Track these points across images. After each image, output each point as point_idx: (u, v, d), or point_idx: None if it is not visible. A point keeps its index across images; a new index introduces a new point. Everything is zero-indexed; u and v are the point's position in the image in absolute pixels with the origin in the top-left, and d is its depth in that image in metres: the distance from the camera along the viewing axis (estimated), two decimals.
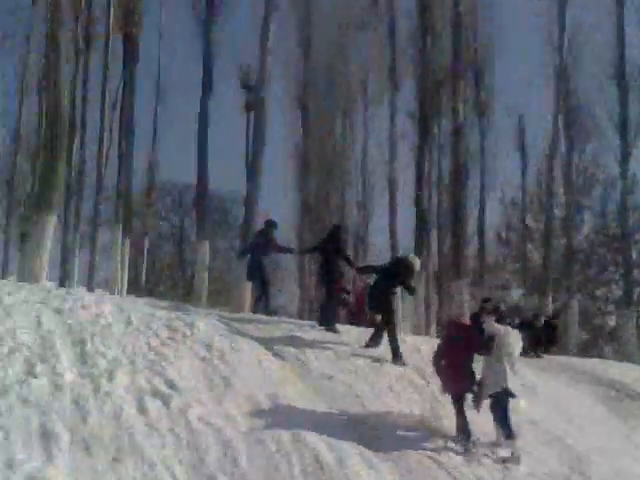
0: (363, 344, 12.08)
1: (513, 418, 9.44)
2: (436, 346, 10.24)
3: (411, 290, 12.68)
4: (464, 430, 9.27)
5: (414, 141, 27.70)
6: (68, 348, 9.39)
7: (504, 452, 9.10)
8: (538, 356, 16.36)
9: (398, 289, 12.66)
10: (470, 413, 9.45)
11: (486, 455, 9.06)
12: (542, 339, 17.41)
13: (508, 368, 9.30)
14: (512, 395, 9.35)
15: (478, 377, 9.49)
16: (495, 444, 9.29)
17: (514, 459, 9.01)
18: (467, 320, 10.86)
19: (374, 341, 12.11)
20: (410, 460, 8.46)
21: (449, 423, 9.68)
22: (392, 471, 8.07)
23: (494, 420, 9.31)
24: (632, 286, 27.62)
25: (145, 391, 8.42)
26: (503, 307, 16.16)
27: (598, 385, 14.21)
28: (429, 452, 8.81)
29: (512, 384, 9.39)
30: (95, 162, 23.86)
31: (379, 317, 11.74)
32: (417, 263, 12.35)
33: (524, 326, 16.88)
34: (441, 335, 10.56)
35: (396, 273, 12.08)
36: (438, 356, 9.86)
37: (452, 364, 9.50)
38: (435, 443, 9.09)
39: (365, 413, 9.54)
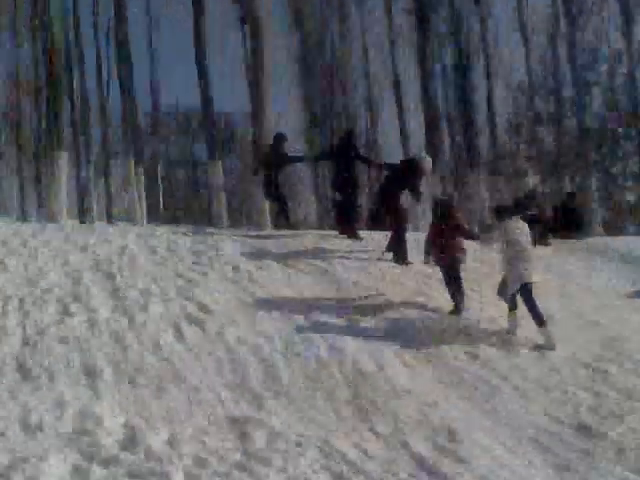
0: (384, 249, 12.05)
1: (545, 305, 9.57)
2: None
3: (417, 194, 12.28)
4: (456, 300, 9.85)
5: (414, 36, 27.13)
6: (98, 284, 9.54)
7: (539, 340, 9.21)
8: (546, 244, 15.73)
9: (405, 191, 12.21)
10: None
11: (521, 345, 9.16)
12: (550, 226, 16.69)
13: (525, 262, 9.30)
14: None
15: (502, 274, 9.58)
16: (509, 331, 9.45)
17: (549, 345, 9.13)
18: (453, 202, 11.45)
19: (400, 258, 11.86)
20: (447, 357, 8.56)
21: (485, 317, 9.83)
22: (430, 371, 8.17)
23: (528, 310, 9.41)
24: None
25: (180, 318, 8.56)
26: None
27: (623, 262, 14.22)
28: (464, 346, 8.90)
29: (536, 276, 9.46)
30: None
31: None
32: (427, 163, 12.10)
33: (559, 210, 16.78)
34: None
35: (405, 174, 12.00)
36: (429, 235, 10.29)
37: (439, 238, 9.97)
38: (470, 338, 9.18)
39: (398, 317, 9.61)
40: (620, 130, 35.65)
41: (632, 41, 26.97)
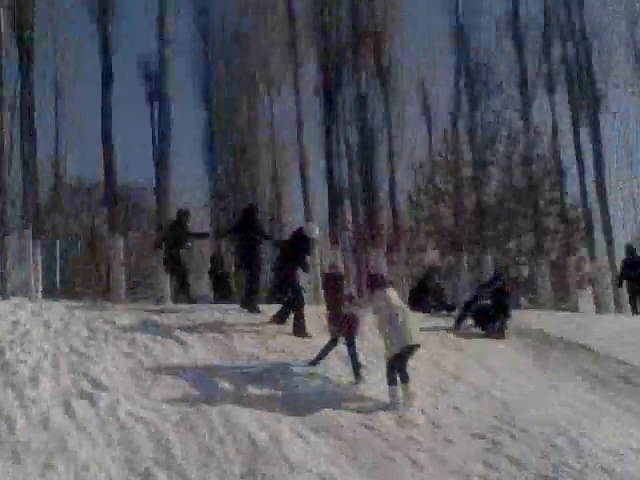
0: (267, 320, 12.24)
1: (437, 377, 9.78)
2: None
3: (305, 268, 12.59)
4: (318, 355, 10.36)
5: (320, 115, 27.76)
6: None
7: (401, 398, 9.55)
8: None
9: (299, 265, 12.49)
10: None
11: (416, 416, 9.28)
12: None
13: (403, 327, 9.60)
14: (415, 349, 9.78)
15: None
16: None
17: (408, 400, 9.50)
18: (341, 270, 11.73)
19: (279, 317, 12.25)
20: (343, 428, 8.59)
21: (378, 388, 9.91)
22: (327, 443, 8.17)
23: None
24: (542, 235, 28.39)
25: (71, 393, 8.36)
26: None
27: (518, 335, 14.60)
28: (361, 418, 8.95)
29: (417, 339, 9.75)
30: None
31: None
32: (313, 230, 12.50)
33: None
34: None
35: (296, 247, 12.25)
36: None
37: (334, 309, 10.36)
38: (366, 410, 9.24)
39: (295, 389, 9.63)
40: (516, 207, 37.04)
41: (529, 122, 28.19)
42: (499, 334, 13.94)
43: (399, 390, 9.59)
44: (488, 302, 14.26)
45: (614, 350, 14.05)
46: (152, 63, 24.96)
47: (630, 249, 20.97)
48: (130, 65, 26.39)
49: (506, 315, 14.12)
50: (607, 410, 10.85)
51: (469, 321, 14.39)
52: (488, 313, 14.15)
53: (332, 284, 10.78)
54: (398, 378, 9.61)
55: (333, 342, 10.48)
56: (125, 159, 40.02)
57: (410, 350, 9.67)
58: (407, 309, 10.09)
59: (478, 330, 14.25)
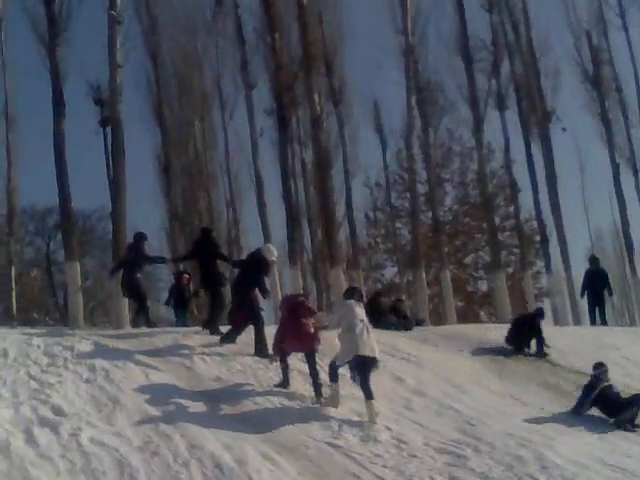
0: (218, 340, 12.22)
1: (399, 393, 9.82)
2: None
3: (264, 293, 12.49)
4: (284, 378, 10.50)
5: (274, 136, 27.86)
6: None
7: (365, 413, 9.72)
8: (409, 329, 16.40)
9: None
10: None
11: (380, 432, 9.32)
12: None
13: (359, 338, 9.82)
14: (371, 362, 9.93)
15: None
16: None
17: (371, 419, 9.60)
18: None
19: (229, 338, 12.20)
20: (309, 449, 8.59)
21: (343, 407, 9.98)
22: (292, 463, 8.15)
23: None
24: (498, 249, 28.69)
25: (32, 421, 8.23)
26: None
27: (478, 349, 14.75)
28: (325, 436, 8.98)
29: (372, 352, 9.89)
30: None
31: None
32: (270, 252, 12.46)
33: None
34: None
35: (253, 269, 12.24)
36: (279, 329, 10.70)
37: (295, 328, 10.42)
38: (330, 428, 9.26)
39: (259, 409, 9.61)
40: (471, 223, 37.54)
41: (482, 139, 28.54)
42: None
43: (339, 387, 10.02)
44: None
45: (574, 361, 14.28)
46: (103, 87, 24.78)
47: (594, 260, 21.26)
48: (82, 90, 26.04)
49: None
50: (569, 421, 10.99)
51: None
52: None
53: (295, 307, 10.72)
54: (364, 393, 9.78)
55: (283, 361, 10.59)
56: (81, 184, 39.78)
57: (364, 363, 9.83)
58: (368, 324, 10.22)
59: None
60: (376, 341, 10.21)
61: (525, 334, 14.91)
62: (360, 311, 10.27)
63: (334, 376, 10.07)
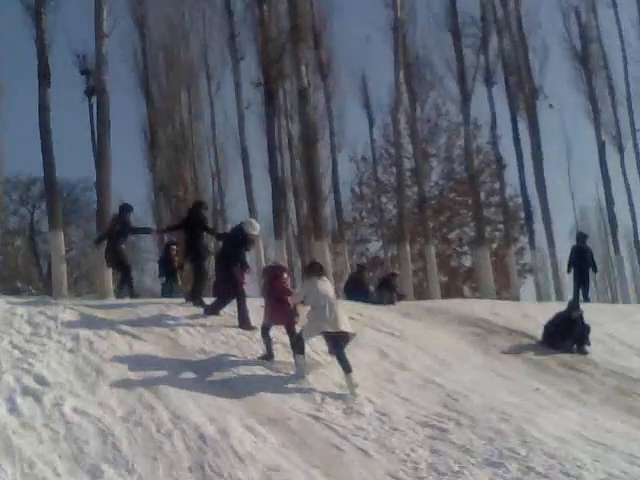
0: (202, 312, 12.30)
1: (383, 366, 9.88)
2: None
3: (244, 268, 12.39)
4: (268, 351, 10.54)
5: (261, 109, 27.71)
6: None
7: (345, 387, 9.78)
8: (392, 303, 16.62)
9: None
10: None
11: (362, 405, 9.38)
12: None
13: (322, 315, 9.88)
14: (340, 337, 9.97)
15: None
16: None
17: (351, 392, 9.64)
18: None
19: (213, 310, 12.27)
20: (291, 421, 8.62)
21: (326, 380, 10.02)
22: (275, 435, 8.18)
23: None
24: (483, 225, 28.75)
25: (15, 390, 8.21)
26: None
27: (461, 324, 14.83)
28: (308, 408, 9.01)
29: (339, 327, 9.90)
30: None
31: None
32: (252, 226, 12.38)
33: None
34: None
35: (234, 242, 12.25)
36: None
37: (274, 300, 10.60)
38: (313, 400, 9.30)
39: (243, 381, 9.63)
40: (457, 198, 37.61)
41: (469, 115, 28.51)
42: None
43: (305, 359, 10.17)
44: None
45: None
46: (89, 57, 24.54)
47: (581, 236, 21.26)
48: (68, 59, 25.75)
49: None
50: (550, 396, 11.10)
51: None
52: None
53: (276, 277, 10.85)
54: (342, 367, 9.84)
55: (265, 335, 10.64)
56: (64, 154, 39.37)
57: (333, 338, 9.93)
58: (334, 299, 10.30)
59: None
60: (346, 314, 10.36)
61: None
62: (323, 286, 10.26)
63: (300, 349, 10.14)
